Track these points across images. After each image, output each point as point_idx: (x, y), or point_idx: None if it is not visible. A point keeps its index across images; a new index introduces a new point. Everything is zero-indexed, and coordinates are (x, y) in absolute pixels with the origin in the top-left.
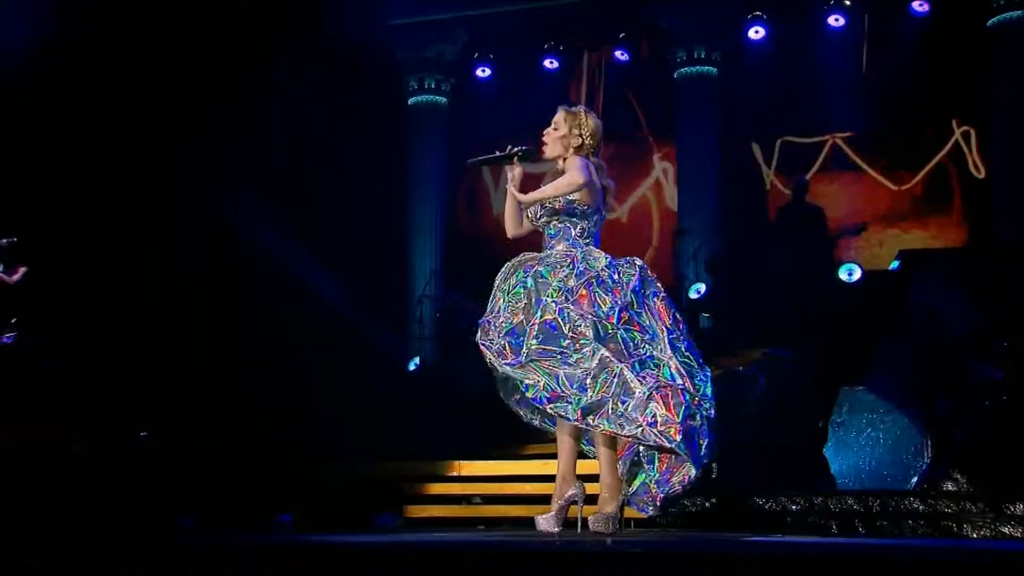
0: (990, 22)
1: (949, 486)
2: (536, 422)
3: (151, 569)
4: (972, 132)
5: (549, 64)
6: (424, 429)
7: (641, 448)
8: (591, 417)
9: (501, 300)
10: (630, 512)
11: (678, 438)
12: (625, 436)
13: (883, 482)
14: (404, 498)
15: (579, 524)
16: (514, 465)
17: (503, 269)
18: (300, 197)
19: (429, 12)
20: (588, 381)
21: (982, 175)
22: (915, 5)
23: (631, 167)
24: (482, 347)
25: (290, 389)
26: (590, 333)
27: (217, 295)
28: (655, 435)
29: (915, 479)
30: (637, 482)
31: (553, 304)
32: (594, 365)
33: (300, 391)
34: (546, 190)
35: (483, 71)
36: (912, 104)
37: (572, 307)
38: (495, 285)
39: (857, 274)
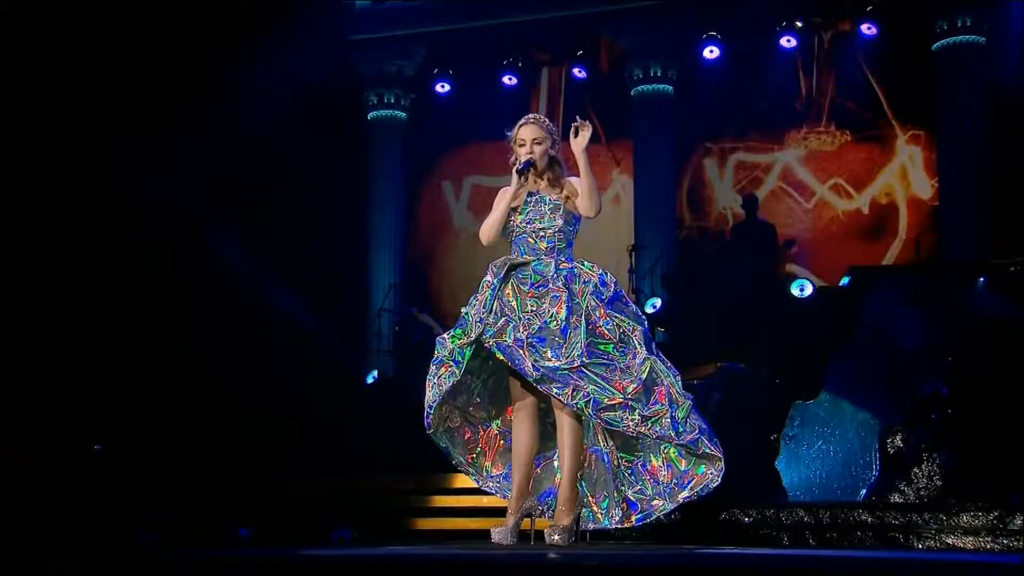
0: (935, 46)
1: (896, 498)
2: (459, 464)
3: None
4: (918, 151)
5: (508, 80)
6: (380, 442)
7: (623, 462)
8: (649, 424)
9: (504, 302)
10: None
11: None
12: (680, 443)
13: (833, 494)
14: (361, 512)
15: (532, 537)
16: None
17: (492, 271)
18: (260, 210)
19: (389, 28)
20: (643, 390)
21: (928, 194)
22: (864, 28)
23: None
24: (493, 347)
25: (246, 402)
26: (639, 343)
27: (176, 308)
28: (706, 443)
29: (864, 491)
30: (620, 494)
31: (599, 311)
32: (645, 375)
33: (256, 404)
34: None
35: (443, 86)
36: (860, 124)
37: (617, 316)
38: (490, 287)
39: (809, 290)
